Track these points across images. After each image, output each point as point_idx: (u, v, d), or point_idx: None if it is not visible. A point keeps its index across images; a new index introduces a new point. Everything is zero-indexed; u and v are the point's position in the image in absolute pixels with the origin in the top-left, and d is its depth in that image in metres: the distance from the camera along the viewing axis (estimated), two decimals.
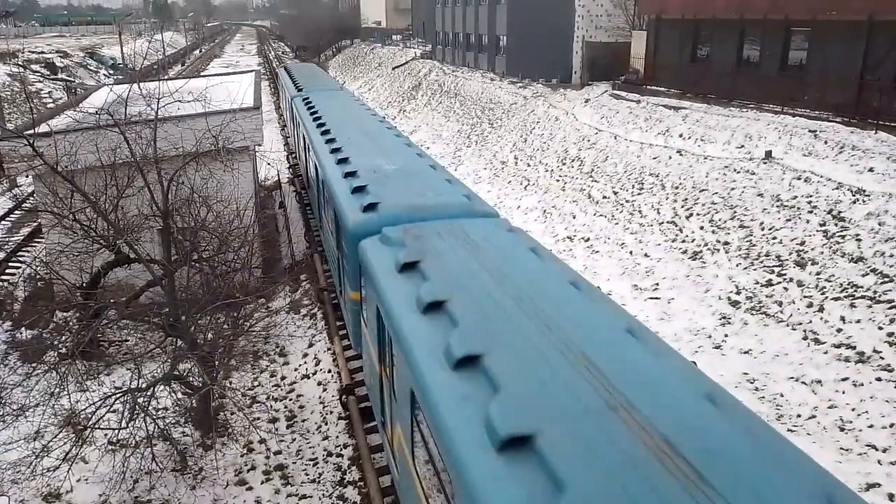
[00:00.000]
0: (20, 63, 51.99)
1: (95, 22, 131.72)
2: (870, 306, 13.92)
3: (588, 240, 21.37)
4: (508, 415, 4.53)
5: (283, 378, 13.67)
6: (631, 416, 4.45)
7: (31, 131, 14.34)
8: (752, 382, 13.41)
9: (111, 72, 67.23)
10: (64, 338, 12.57)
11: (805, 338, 14.05)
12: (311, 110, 18.46)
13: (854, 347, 13.23)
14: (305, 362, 13.86)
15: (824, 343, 13.67)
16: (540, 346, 5.41)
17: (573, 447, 4.18)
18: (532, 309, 6.07)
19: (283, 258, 18.97)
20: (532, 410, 4.60)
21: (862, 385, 12.29)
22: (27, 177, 21.98)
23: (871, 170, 17.97)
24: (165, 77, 41.67)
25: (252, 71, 33.00)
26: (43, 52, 63.03)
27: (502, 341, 5.52)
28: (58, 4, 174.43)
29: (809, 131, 21.05)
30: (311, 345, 14.33)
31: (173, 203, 12.57)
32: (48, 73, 54.98)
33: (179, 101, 13.75)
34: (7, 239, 23.38)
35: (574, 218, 22.96)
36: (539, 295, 6.35)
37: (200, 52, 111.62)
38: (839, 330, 13.79)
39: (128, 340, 13.90)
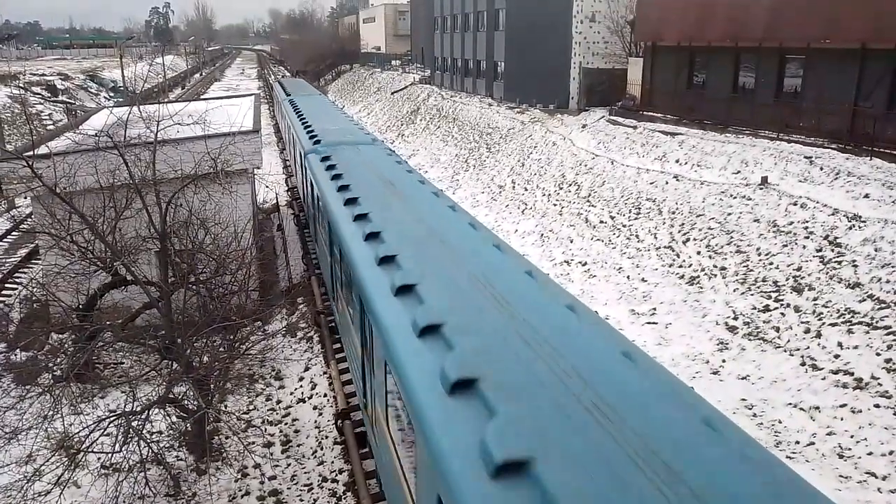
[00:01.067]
0: (21, 85, 52.29)
1: (97, 45, 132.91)
2: (867, 332, 13.91)
3: (585, 264, 21.39)
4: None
5: (278, 402, 13.57)
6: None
7: (31, 153, 14.32)
8: (750, 408, 13.34)
9: (112, 94, 67.64)
10: (59, 360, 12.48)
11: (803, 363, 14.01)
12: (295, 107, 25.97)
13: (852, 373, 13.19)
14: (301, 386, 13.77)
15: (822, 369, 13.62)
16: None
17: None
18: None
19: (280, 281, 18.92)
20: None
21: (860, 412, 12.24)
22: (25, 198, 22.03)
23: (866, 196, 18.08)
24: (165, 100, 41.99)
25: (252, 94, 33.24)
26: (44, 75, 63.48)
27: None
28: (60, 27, 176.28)
29: (805, 157, 21.21)
30: (307, 368, 14.25)
31: (171, 225, 12.63)
32: (49, 95, 55.28)
33: (179, 123, 13.89)
34: (4, 260, 23.33)
35: (571, 242, 23.01)
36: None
37: (201, 75, 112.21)
38: (837, 356, 13.76)
39: (123, 363, 13.77)
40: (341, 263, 10.70)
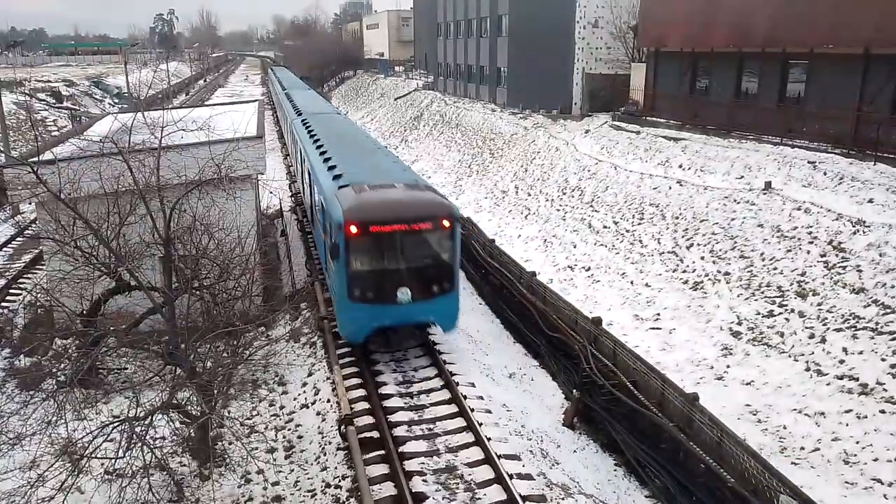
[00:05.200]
0: (26, 91, 52.50)
1: (101, 52, 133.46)
2: (872, 338, 13.87)
3: (589, 269, 21.39)
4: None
5: (281, 407, 13.56)
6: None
7: (35, 159, 14.34)
8: (754, 414, 13.33)
9: (116, 100, 67.90)
10: (62, 365, 12.49)
11: (807, 369, 13.99)
12: (284, 90, 42.25)
13: (857, 379, 13.15)
14: (304, 391, 13.76)
15: (827, 374, 13.59)
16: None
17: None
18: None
19: (283, 286, 18.91)
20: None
21: (866, 417, 12.19)
22: (30, 204, 22.09)
23: (870, 201, 18.05)
24: (170, 106, 42.16)
25: (255, 100, 33.32)
26: (49, 81, 63.72)
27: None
28: (65, 34, 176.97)
29: (808, 162, 21.19)
30: (310, 374, 14.24)
31: (175, 231, 12.68)
32: (53, 101, 55.48)
33: (183, 129, 13.72)
34: (8, 266, 23.39)
35: (575, 247, 23.02)
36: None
37: (205, 81, 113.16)
38: (842, 361, 13.73)
39: (127, 368, 13.78)
40: (311, 186, 18.18)
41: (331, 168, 15.54)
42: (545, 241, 24.47)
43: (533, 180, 30.53)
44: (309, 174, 18.61)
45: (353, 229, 12.66)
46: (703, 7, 28.55)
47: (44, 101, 53.64)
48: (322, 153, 17.56)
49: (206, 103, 52.92)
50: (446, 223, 13.21)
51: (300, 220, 24.34)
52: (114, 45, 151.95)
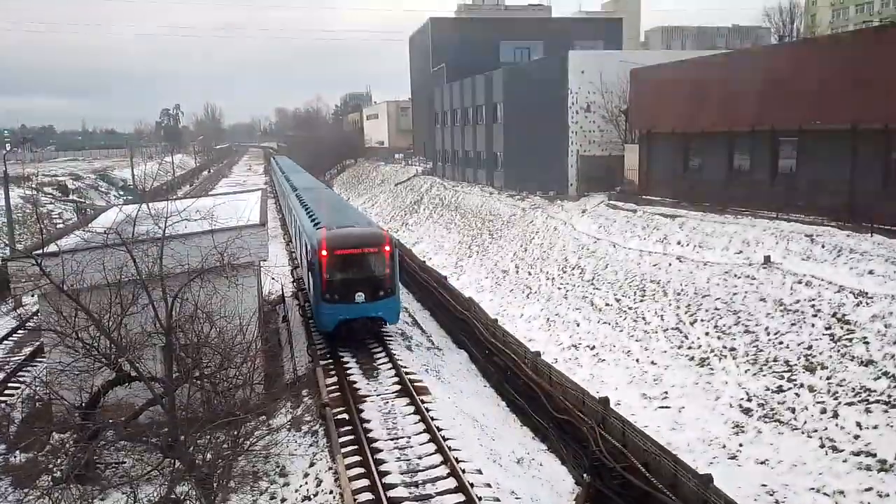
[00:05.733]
0: (33, 186, 53.58)
1: (109, 146, 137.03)
2: (886, 411, 13.57)
3: (593, 348, 21.19)
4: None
5: (283, 500, 13.13)
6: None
7: (40, 251, 14.48)
8: (771, 495, 12.90)
9: (121, 192, 69.17)
10: (59, 461, 12.20)
11: (822, 445, 13.61)
12: (285, 174, 50.62)
13: (874, 455, 12.78)
14: (306, 482, 13.34)
15: (843, 451, 13.22)
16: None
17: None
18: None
19: (285, 373, 18.93)
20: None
21: (888, 496, 11.79)
22: (32, 296, 22.12)
23: (871, 272, 18.06)
24: (174, 197, 42.91)
25: (258, 189, 33.94)
26: (56, 175, 65.15)
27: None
28: (73, 130, 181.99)
29: (806, 235, 21.32)
30: (312, 464, 13.86)
31: (177, 319, 12.69)
32: (59, 194, 56.54)
33: (186, 219, 14.14)
34: (8, 359, 23.20)
35: (578, 326, 22.88)
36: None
37: (209, 172, 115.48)
38: (857, 436, 13.38)
39: (125, 462, 13.44)
40: (300, 237, 24.56)
41: (312, 218, 22.71)
42: (548, 319, 24.35)
43: (533, 259, 30.67)
44: (298, 228, 25.52)
45: (324, 252, 18.79)
46: (690, 92, 29.43)
47: (50, 194, 54.65)
48: (307, 210, 25.06)
49: (210, 193, 54.06)
50: (387, 248, 19.45)
51: (301, 306, 24.37)
52: (121, 138, 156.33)
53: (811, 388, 15.23)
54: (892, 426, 13.17)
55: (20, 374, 21.47)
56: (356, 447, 13.53)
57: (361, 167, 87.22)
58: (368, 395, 16.22)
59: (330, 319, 18.96)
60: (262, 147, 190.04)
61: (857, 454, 12.96)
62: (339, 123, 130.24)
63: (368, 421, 14.80)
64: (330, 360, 18.65)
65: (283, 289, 27.96)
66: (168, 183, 74.17)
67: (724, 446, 14.75)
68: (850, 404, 14.21)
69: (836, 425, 13.89)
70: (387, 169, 74.29)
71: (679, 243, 24.64)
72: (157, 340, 13.05)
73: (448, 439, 13.48)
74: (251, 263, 18.10)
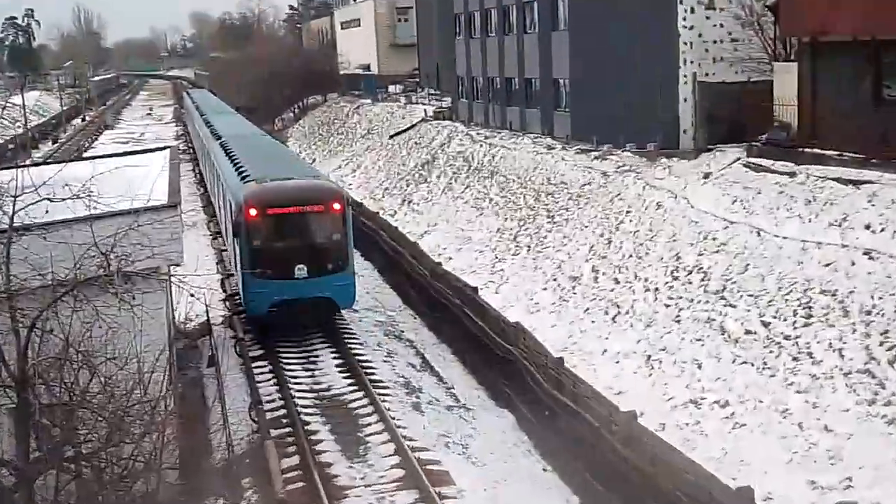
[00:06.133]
0: None
1: None
2: None
3: (726, 405, 16.59)
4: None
5: None
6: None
7: None
8: None
9: None
10: None
11: None
12: (201, 113, 48.08)
13: None
14: None
15: None
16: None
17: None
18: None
19: (213, 450, 14.86)
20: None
21: None
22: None
23: None
24: (27, 162, 34.39)
25: (166, 147, 26.02)
26: None
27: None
28: None
29: None
30: None
31: (35, 364, 10.77)
32: None
33: (49, 198, 11.72)
34: None
35: (700, 368, 18.19)
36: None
37: (84, 120, 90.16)
38: None
39: None
40: (224, 197, 22.29)
41: (240, 170, 20.07)
42: (649, 358, 19.36)
43: (622, 258, 24.46)
44: (222, 186, 22.83)
45: (252, 212, 16.73)
46: None
47: None
48: (234, 162, 21.88)
49: (87, 155, 43.55)
50: (336, 206, 17.18)
51: (239, 339, 18.68)
52: None
53: None
54: None
55: None
56: None
57: (334, 108, 65.25)
58: (352, 487, 13.14)
59: (261, 301, 16.83)
60: (169, 77, 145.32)
61: None
62: (297, 37, 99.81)
63: None
64: (288, 428, 14.65)
65: (208, 311, 20.81)
66: (17, 138, 58.03)
67: None
68: None
69: None
70: (376, 110, 57.28)
71: (869, 228, 19.27)
72: (3, 399, 11.11)
73: None
74: (156, 270, 14.62)
